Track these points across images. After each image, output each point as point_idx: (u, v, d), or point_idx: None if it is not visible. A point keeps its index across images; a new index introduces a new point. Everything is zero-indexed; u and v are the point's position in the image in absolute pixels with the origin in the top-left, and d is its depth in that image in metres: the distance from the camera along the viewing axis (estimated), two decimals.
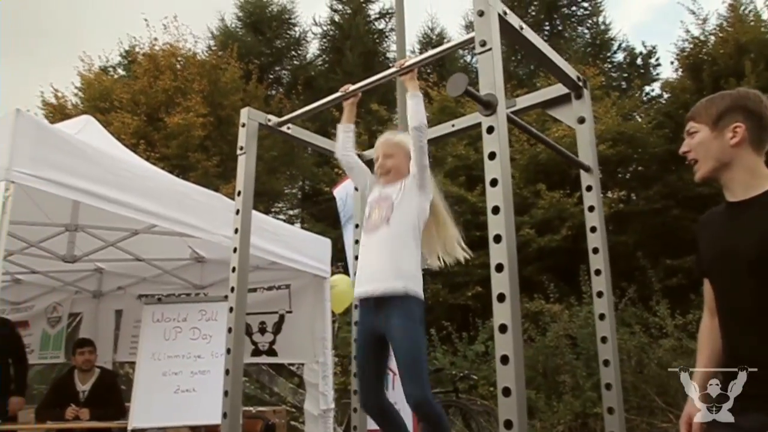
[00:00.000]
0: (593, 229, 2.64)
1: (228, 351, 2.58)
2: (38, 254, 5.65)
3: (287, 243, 5.39)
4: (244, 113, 2.98)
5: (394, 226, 2.66)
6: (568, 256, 11.12)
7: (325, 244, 5.96)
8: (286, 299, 6.06)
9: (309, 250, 5.67)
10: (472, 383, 8.33)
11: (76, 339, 6.07)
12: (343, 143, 2.97)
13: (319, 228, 11.55)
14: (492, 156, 1.93)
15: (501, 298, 1.76)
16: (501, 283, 1.77)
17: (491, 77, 2.02)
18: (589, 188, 2.71)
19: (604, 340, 2.51)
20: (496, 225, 1.85)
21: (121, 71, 17.83)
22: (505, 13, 2.23)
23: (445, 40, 16.82)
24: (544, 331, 9.19)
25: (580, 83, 2.74)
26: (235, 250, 2.75)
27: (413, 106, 2.63)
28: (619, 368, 2.50)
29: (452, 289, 12.44)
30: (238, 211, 2.82)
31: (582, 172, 2.75)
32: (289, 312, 6.06)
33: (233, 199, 2.99)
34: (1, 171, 3.25)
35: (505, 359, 1.72)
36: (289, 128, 3.16)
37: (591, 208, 2.68)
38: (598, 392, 2.61)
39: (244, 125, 2.95)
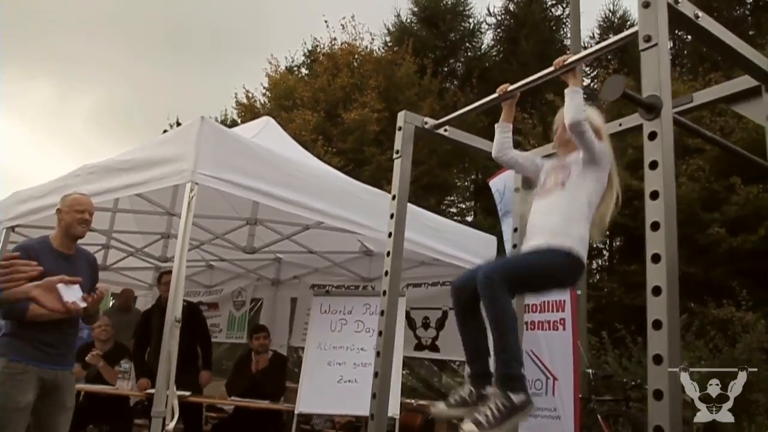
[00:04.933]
0: None
1: (377, 354, 2.62)
2: (224, 245, 6.19)
3: (451, 240, 5.39)
4: (401, 117, 2.99)
5: (569, 190, 2.57)
6: (766, 259, 9.95)
7: (490, 241, 5.87)
8: (449, 296, 6.06)
9: (474, 246, 5.62)
10: (646, 393, 7.75)
11: (254, 324, 6.58)
12: (499, 143, 2.85)
13: (491, 221, 11.40)
14: (653, 165, 1.75)
15: (657, 325, 1.59)
16: (657, 309, 1.60)
17: (655, 77, 1.83)
18: None
19: None
20: (655, 243, 1.67)
21: (304, 71, 18.94)
22: (677, 2, 2.01)
23: (628, 24, 15.72)
24: (734, 342, 8.29)
25: None
26: (388, 254, 2.78)
27: (568, 102, 2.46)
28: None
29: (628, 289, 11.69)
30: (392, 215, 2.84)
31: None
32: (453, 308, 6.04)
33: None
34: (186, 173, 3.60)
35: (658, 394, 1.56)
36: (446, 130, 3.13)
37: None
38: None
39: (400, 129, 2.97)
